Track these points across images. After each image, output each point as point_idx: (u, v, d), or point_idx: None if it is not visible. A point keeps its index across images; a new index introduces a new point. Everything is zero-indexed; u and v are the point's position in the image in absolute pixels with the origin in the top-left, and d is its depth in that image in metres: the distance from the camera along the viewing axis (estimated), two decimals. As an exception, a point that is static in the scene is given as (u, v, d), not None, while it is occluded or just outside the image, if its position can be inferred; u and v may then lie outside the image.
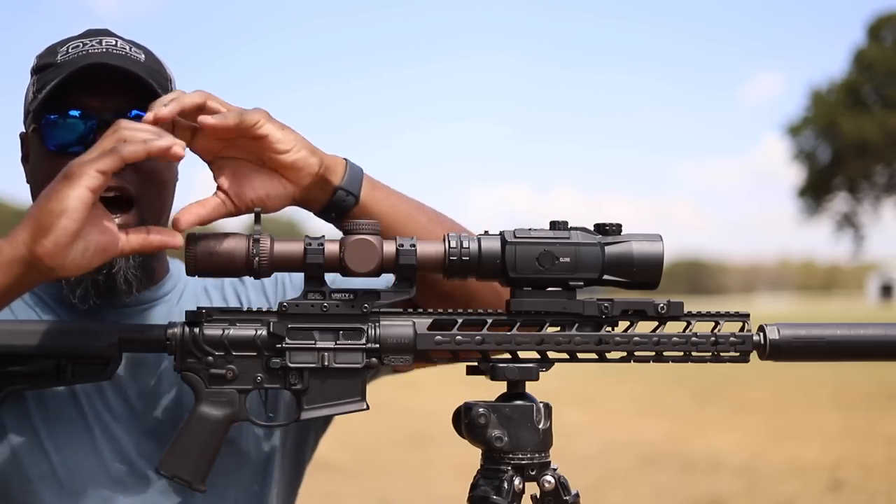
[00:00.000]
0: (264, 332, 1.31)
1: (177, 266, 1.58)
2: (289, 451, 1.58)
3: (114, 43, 1.42)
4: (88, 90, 1.38)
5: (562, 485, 1.31)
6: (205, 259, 1.27)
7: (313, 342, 1.30)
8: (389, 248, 1.29)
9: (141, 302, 1.49)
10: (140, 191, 1.40)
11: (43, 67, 1.41)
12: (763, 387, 13.85)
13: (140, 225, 1.38)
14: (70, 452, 1.40)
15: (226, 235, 1.29)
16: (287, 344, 1.30)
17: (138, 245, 1.23)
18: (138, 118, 1.35)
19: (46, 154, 1.39)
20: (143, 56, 1.43)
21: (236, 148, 1.30)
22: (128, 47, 1.43)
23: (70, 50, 1.41)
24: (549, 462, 1.32)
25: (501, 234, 1.30)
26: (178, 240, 1.24)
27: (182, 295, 1.55)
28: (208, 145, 1.30)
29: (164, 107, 1.23)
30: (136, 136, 1.19)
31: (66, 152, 1.37)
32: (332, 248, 1.28)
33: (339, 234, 1.33)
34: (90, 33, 1.45)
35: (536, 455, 1.31)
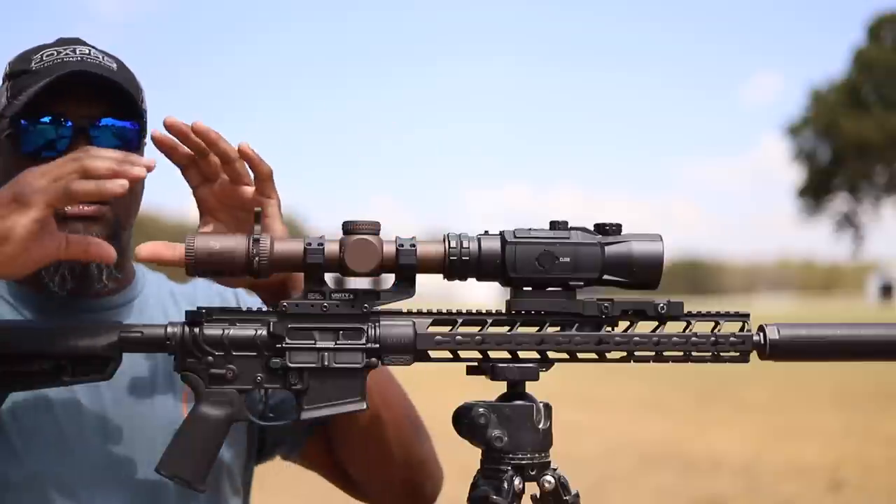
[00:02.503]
0: (264, 332, 1.31)
1: (140, 269, 1.60)
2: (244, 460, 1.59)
3: (87, 52, 1.45)
4: (63, 97, 1.40)
5: (562, 485, 1.31)
6: (204, 258, 1.27)
7: (313, 342, 1.30)
8: (389, 248, 1.29)
9: (114, 305, 1.50)
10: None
11: (17, 74, 1.43)
12: (763, 387, 13.84)
13: (115, 220, 1.43)
14: (46, 460, 1.39)
15: (226, 235, 1.29)
16: (287, 344, 1.30)
17: (76, 255, 1.24)
18: (111, 124, 1.42)
19: (21, 158, 1.39)
20: (115, 65, 1.46)
21: (230, 215, 1.39)
22: (101, 56, 1.46)
23: (44, 57, 1.43)
24: (549, 462, 1.32)
25: (501, 233, 1.30)
26: (112, 254, 1.26)
27: (149, 299, 1.56)
28: (210, 199, 1.39)
29: (183, 122, 1.32)
30: (97, 167, 1.19)
31: (41, 157, 1.38)
32: (332, 247, 1.28)
33: (340, 234, 1.33)
34: (62, 42, 1.47)
35: (536, 455, 1.31)
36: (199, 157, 1.36)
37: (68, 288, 1.42)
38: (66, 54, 1.43)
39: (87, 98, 1.41)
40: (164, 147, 1.35)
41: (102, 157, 1.20)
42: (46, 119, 1.40)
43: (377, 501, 1.66)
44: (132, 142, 1.45)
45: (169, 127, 1.34)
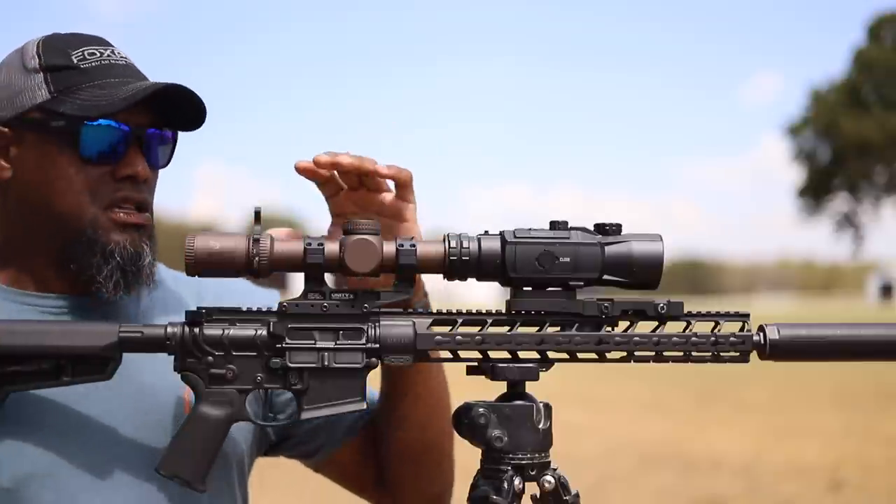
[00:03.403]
0: (264, 332, 1.31)
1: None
2: (253, 450, 1.59)
3: (125, 55, 1.47)
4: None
5: (562, 485, 1.31)
6: (204, 259, 1.27)
7: (313, 342, 1.30)
8: (389, 248, 1.29)
9: (111, 307, 1.48)
10: (150, 200, 1.47)
11: (58, 68, 1.41)
12: (763, 387, 13.84)
13: (153, 228, 1.47)
14: (43, 461, 1.38)
15: (226, 235, 1.29)
16: (287, 344, 1.30)
17: None
18: (160, 133, 1.45)
19: (80, 160, 1.40)
20: (132, 64, 1.48)
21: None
22: (127, 56, 1.48)
23: (87, 55, 1.43)
24: (549, 462, 1.32)
25: (501, 234, 1.30)
26: None
27: (152, 294, 1.54)
28: (345, 205, 1.44)
29: (346, 158, 1.37)
30: None
31: (100, 162, 1.40)
32: (332, 248, 1.28)
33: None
34: (88, 40, 1.46)
35: (536, 455, 1.31)
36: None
37: (121, 293, 1.43)
38: (108, 55, 1.44)
39: (137, 105, 1.40)
40: (305, 174, 1.40)
41: None
42: (108, 123, 1.40)
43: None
44: (172, 152, 1.49)
45: (320, 165, 1.38)
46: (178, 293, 1.57)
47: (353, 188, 1.44)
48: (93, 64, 1.42)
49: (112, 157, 1.41)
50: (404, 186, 1.43)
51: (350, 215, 1.44)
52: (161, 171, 1.50)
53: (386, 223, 1.42)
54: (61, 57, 1.42)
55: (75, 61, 1.41)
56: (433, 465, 1.61)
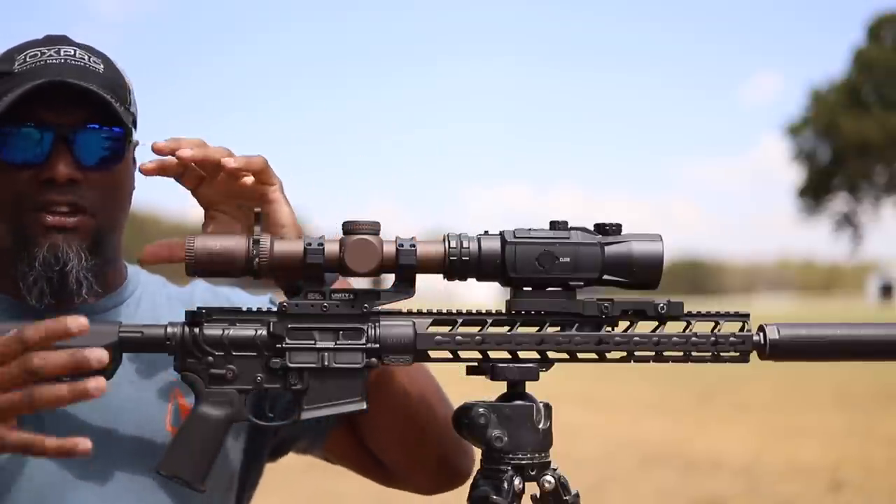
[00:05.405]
0: (264, 332, 1.31)
1: (135, 271, 1.57)
2: (247, 451, 1.57)
3: (72, 53, 1.41)
4: (45, 102, 1.36)
5: (562, 485, 1.31)
6: (204, 259, 1.28)
7: (313, 342, 1.30)
8: (389, 248, 1.29)
9: (98, 310, 1.47)
10: (96, 204, 1.40)
11: (1, 75, 1.39)
12: (763, 387, 13.84)
13: (96, 230, 1.40)
14: (16, 463, 1.37)
15: (226, 235, 1.29)
16: (287, 344, 1.30)
17: (22, 446, 1.18)
18: (94, 131, 1.38)
19: (5, 166, 1.37)
20: (101, 66, 1.42)
21: (234, 206, 1.41)
22: (86, 57, 1.42)
23: (28, 59, 1.39)
24: (549, 462, 1.32)
25: (501, 234, 1.30)
26: (69, 445, 1.18)
27: (140, 302, 1.53)
28: (210, 195, 1.40)
29: (188, 150, 1.33)
30: (50, 369, 1.16)
31: (23, 165, 1.37)
32: (332, 248, 1.28)
33: (340, 234, 1.33)
34: (49, 40, 1.43)
35: (536, 455, 1.31)
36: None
37: (46, 301, 1.38)
38: (50, 56, 1.39)
39: (70, 102, 1.37)
40: (154, 173, 1.36)
41: (53, 361, 1.16)
42: (27, 126, 1.36)
43: (415, 485, 1.63)
44: (118, 148, 1.41)
45: (157, 151, 1.34)
46: (154, 309, 1.53)
47: (212, 177, 1.38)
48: (28, 66, 1.38)
49: (35, 159, 1.36)
50: (260, 172, 1.36)
51: (218, 204, 1.41)
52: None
53: (254, 207, 1.37)
54: (6, 63, 1.40)
55: (14, 66, 1.39)
56: (414, 437, 1.56)
